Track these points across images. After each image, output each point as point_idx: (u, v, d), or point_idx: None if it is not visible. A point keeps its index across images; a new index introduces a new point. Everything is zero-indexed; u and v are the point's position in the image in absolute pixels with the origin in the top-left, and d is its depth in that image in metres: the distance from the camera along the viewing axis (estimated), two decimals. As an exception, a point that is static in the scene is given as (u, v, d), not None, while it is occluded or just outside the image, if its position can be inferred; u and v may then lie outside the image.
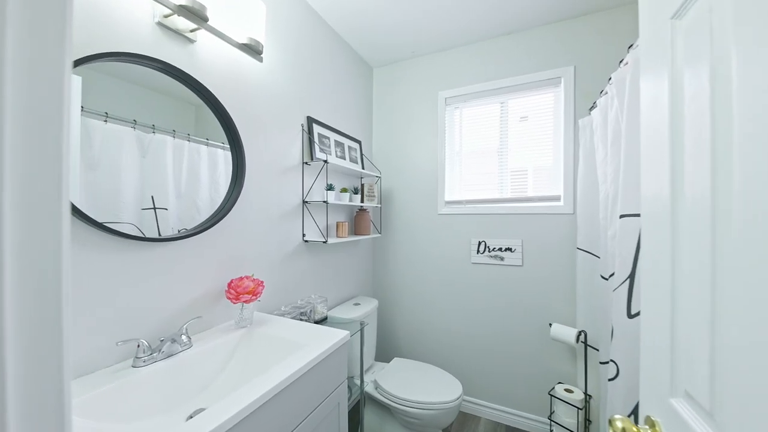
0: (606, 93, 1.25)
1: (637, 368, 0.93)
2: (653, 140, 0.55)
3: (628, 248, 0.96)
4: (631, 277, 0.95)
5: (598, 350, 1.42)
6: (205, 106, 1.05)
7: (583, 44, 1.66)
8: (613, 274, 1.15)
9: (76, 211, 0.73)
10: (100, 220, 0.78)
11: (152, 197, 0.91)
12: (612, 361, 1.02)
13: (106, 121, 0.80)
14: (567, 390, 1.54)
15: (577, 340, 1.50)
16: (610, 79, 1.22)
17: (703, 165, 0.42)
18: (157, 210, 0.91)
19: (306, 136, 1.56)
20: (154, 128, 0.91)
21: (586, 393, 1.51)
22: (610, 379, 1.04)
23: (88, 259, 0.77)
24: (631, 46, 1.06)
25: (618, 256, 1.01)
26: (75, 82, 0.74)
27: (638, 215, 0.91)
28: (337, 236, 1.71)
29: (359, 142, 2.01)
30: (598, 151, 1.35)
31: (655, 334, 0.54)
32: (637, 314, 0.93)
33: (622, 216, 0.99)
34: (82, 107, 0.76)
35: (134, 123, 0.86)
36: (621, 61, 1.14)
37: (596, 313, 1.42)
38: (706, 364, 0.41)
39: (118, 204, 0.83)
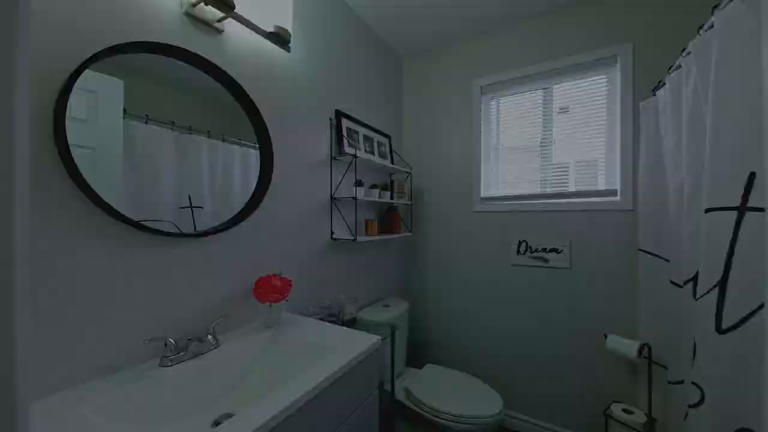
0: (679, 67, 1.07)
1: (733, 394, 0.76)
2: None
3: (718, 248, 0.79)
4: (722, 283, 0.78)
5: (666, 368, 1.23)
6: (238, 106, 1.04)
7: (644, 17, 1.46)
8: (691, 280, 0.97)
9: (103, 206, 0.71)
10: (139, 218, 0.79)
11: (189, 196, 0.91)
12: (694, 383, 0.86)
13: (146, 122, 0.81)
14: (626, 411, 1.35)
15: (640, 354, 1.30)
16: (684, 49, 1.04)
17: None
18: (193, 209, 0.92)
19: (334, 130, 1.50)
20: (190, 129, 0.92)
21: (649, 416, 1.32)
22: (691, 405, 0.87)
23: (117, 255, 0.75)
24: (716, 6, 0.89)
25: (703, 259, 0.84)
26: (117, 86, 0.76)
27: (735, 209, 0.74)
28: (366, 234, 1.64)
29: (389, 137, 1.93)
30: (668, 137, 1.16)
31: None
32: (732, 328, 0.76)
33: (708, 210, 0.82)
34: (124, 110, 0.77)
35: (172, 124, 0.87)
36: (700, 27, 0.97)
37: (665, 324, 1.23)
38: None
39: (157, 203, 0.85)
